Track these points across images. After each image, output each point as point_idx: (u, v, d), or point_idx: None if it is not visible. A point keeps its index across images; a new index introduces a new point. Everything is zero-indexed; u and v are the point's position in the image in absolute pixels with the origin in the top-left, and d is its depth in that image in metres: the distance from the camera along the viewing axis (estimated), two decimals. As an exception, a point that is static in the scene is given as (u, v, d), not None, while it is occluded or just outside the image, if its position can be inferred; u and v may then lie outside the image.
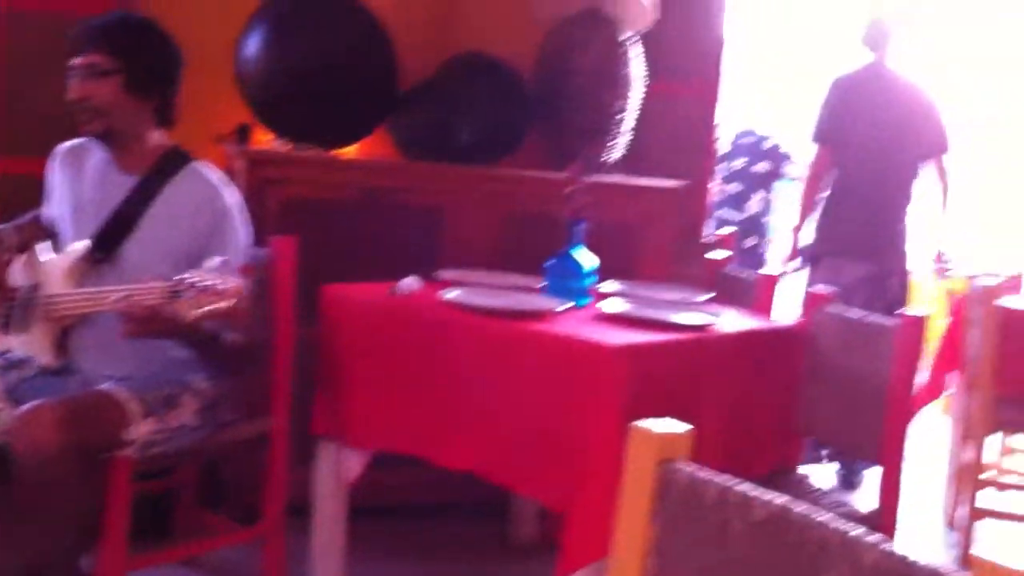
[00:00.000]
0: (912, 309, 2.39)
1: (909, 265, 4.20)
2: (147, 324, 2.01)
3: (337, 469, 2.52)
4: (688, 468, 1.12)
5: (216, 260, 2.07)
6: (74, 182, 2.37)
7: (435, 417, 2.31)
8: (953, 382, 4.07)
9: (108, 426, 2.10)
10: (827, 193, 4.19)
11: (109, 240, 2.26)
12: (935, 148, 4.13)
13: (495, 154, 3.25)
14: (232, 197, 2.33)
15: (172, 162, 2.32)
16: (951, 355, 3.96)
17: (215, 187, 2.31)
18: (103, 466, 2.11)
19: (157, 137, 2.34)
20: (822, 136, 4.17)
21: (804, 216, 4.22)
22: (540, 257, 2.59)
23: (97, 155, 2.36)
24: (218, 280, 1.98)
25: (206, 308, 1.96)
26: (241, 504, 2.70)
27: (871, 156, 4.10)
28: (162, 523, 2.66)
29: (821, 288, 2.71)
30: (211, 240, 2.26)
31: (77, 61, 2.24)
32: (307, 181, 2.99)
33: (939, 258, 4.36)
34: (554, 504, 2.13)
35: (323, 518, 2.57)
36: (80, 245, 2.25)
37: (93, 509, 2.09)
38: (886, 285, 4.11)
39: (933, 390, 4.01)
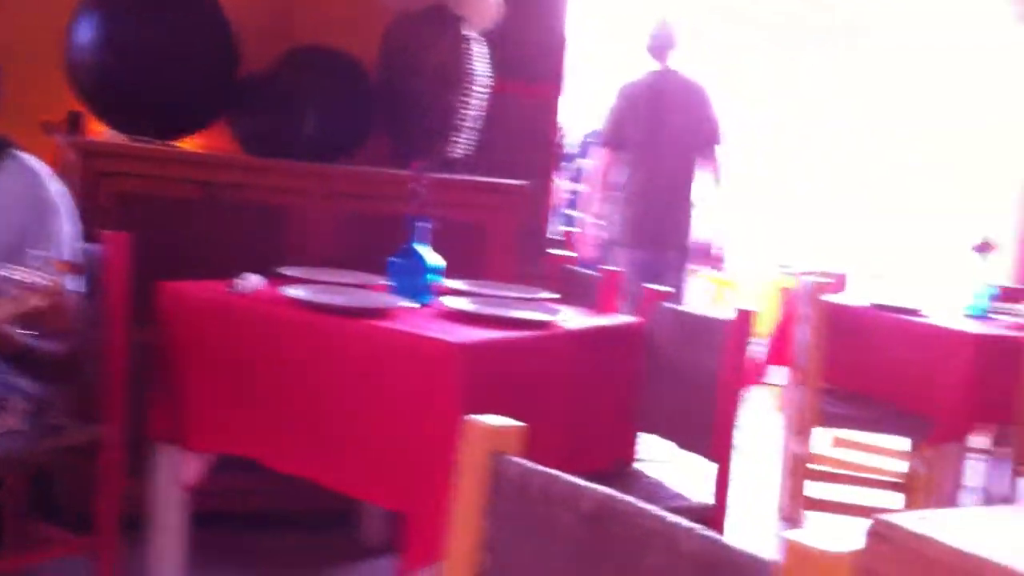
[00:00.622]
0: (742, 304, 2.48)
1: (688, 256, 4.72)
2: None
3: (175, 474, 2.44)
4: (519, 461, 1.14)
5: (36, 254, 1.98)
6: None
7: (275, 419, 2.27)
8: (783, 376, 4.25)
9: None
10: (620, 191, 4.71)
11: None
12: (709, 141, 4.61)
13: (338, 150, 3.22)
14: (57, 189, 2.24)
15: None
16: (782, 350, 4.12)
17: (38, 178, 2.22)
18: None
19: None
20: (606, 140, 4.74)
21: (593, 212, 4.78)
22: (385, 256, 2.57)
23: None
24: (33, 276, 1.89)
25: (17, 308, 1.87)
26: (75, 514, 2.59)
27: (650, 155, 4.61)
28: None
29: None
30: (32, 234, 2.16)
31: None
32: (142, 175, 2.89)
33: (710, 250, 4.81)
34: (393, 505, 2.12)
35: (161, 526, 2.49)
36: None
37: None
38: (662, 274, 4.50)
39: (752, 377, 4.19)
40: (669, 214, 4.67)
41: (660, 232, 4.66)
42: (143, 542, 2.49)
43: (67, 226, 2.24)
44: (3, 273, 1.87)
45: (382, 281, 2.59)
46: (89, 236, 2.36)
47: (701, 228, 4.77)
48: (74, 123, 3.03)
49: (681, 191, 4.67)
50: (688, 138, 4.64)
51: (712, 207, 4.75)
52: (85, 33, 2.89)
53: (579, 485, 1.07)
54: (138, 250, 2.38)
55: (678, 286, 4.63)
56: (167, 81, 2.92)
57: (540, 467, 1.11)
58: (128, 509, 2.42)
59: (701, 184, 4.72)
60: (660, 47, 4.72)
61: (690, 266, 4.80)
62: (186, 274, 2.49)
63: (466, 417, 1.18)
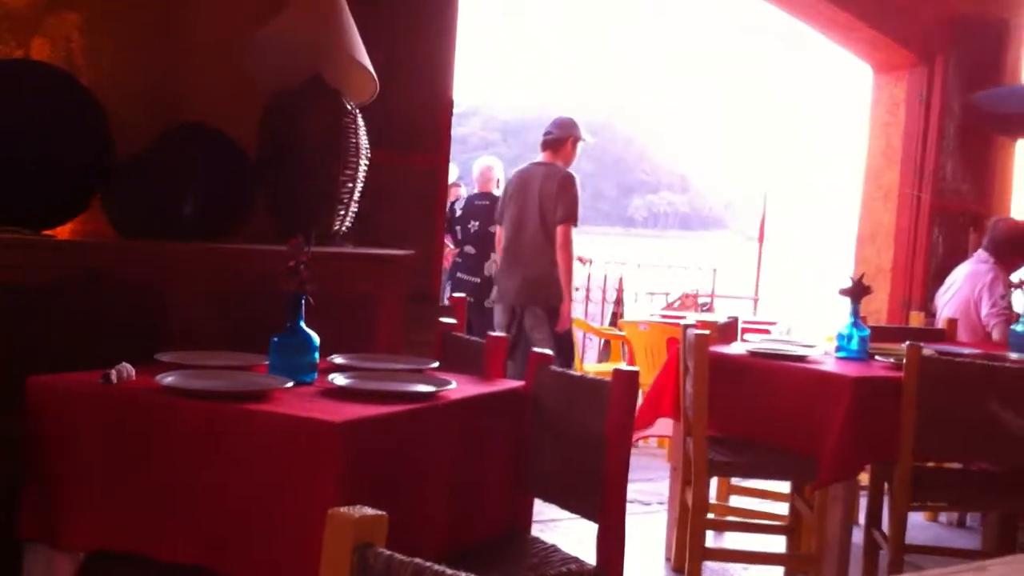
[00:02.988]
0: (622, 365, 2.52)
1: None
2: None
3: (49, 574, 2.37)
4: (384, 553, 1.14)
5: None
6: None
7: (155, 509, 2.22)
8: (667, 426, 4.33)
9: None
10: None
11: None
12: (561, 219, 5.52)
13: (219, 229, 3.19)
14: None
15: None
16: (663, 399, 4.20)
17: None
18: None
19: None
20: (496, 217, 5.90)
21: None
22: (268, 334, 2.55)
23: None
24: None
25: None
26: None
27: (519, 228, 5.64)
28: None
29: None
30: None
31: None
32: (13, 264, 2.82)
33: (560, 311, 5.56)
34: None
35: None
36: None
37: None
38: (522, 327, 5.57)
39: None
40: (532, 277, 5.63)
41: (521, 293, 5.66)
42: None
43: None
44: None
45: (264, 361, 2.57)
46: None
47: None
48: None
49: (541, 258, 5.61)
50: (550, 214, 5.57)
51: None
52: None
53: (446, 572, 1.08)
54: (7, 341, 2.32)
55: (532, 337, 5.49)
56: (36, 169, 2.86)
57: (406, 558, 1.11)
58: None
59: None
60: (550, 143, 5.72)
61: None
62: (61, 364, 2.43)
63: (330, 510, 1.18)
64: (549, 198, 5.52)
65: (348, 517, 1.16)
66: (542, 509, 2.74)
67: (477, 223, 6.41)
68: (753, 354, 3.82)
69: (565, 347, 5.61)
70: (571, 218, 5.50)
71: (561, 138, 5.66)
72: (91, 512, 2.30)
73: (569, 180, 5.55)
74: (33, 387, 2.36)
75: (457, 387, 2.52)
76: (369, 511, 1.17)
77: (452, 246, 6.39)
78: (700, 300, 6.99)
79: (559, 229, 5.49)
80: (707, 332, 3.66)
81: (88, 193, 3.05)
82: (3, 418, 2.34)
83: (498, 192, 6.40)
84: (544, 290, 5.52)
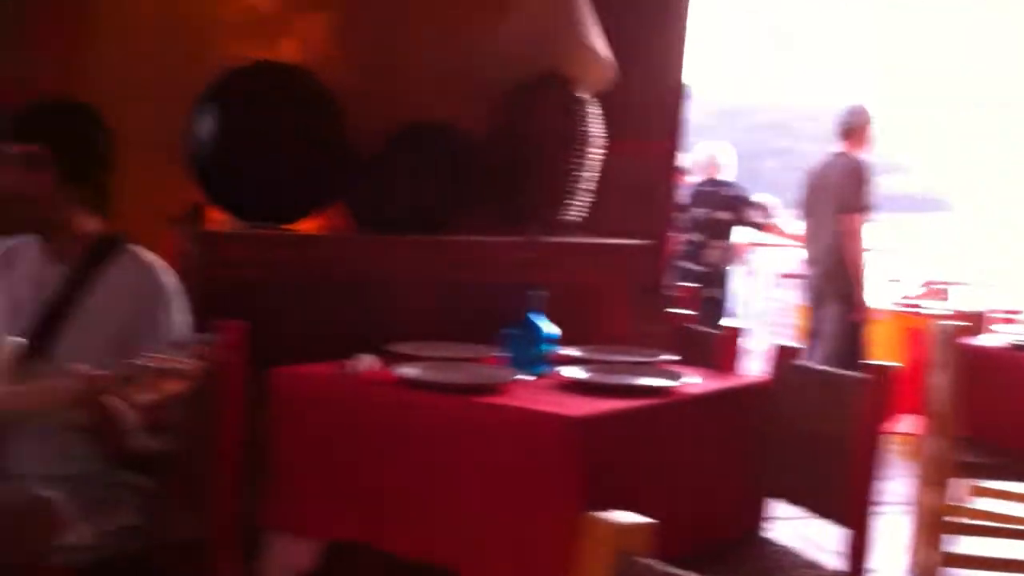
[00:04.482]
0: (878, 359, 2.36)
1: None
2: (91, 416, 1.94)
3: (285, 561, 2.41)
4: (649, 563, 1.07)
5: (167, 341, 2.00)
6: (7, 282, 2.28)
7: (388, 502, 2.23)
8: (915, 425, 4.06)
9: (39, 533, 2.01)
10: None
11: (43, 334, 2.17)
12: (849, 208, 5.34)
13: (449, 221, 3.21)
14: (169, 281, 2.26)
15: (105, 248, 2.24)
16: (905, 394, 3.93)
17: (150, 271, 2.24)
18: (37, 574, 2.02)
19: (89, 224, 2.25)
20: (797, 208, 5.77)
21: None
22: (495, 325, 2.53)
23: (30, 250, 2.28)
24: (171, 361, 1.91)
25: (157, 395, 1.89)
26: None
27: (817, 219, 5.52)
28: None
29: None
30: (145, 326, 2.18)
31: (3, 150, 2.17)
32: (256, 260, 2.91)
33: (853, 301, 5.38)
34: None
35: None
36: (12, 341, 2.17)
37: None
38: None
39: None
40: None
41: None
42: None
43: (178, 317, 2.25)
44: (139, 362, 1.90)
45: (495, 353, 2.55)
46: (204, 325, 2.36)
47: None
48: (196, 214, 3.08)
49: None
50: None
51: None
52: (203, 126, 2.95)
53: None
54: (253, 336, 2.38)
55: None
56: (281, 168, 2.95)
57: (672, 569, 1.04)
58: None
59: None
60: (850, 129, 5.50)
61: None
62: (300, 358, 2.48)
63: (588, 514, 1.11)
64: (841, 187, 5.37)
65: (610, 524, 1.09)
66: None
67: (704, 210, 6.24)
68: (1017, 347, 3.52)
69: (858, 339, 5.46)
70: (859, 207, 5.32)
71: (856, 126, 5.53)
72: (327, 501, 2.33)
73: (859, 169, 5.40)
74: (276, 377, 2.42)
75: (695, 381, 2.42)
76: (632, 517, 1.09)
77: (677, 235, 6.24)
78: (941, 287, 6.56)
79: (846, 218, 5.33)
80: (961, 324, 3.41)
81: (328, 191, 3.12)
82: (250, 413, 2.40)
83: (723, 178, 6.26)
84: (836, 281, 5.39)
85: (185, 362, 1.93)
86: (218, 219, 3.12)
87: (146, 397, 1.90)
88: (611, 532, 1.09)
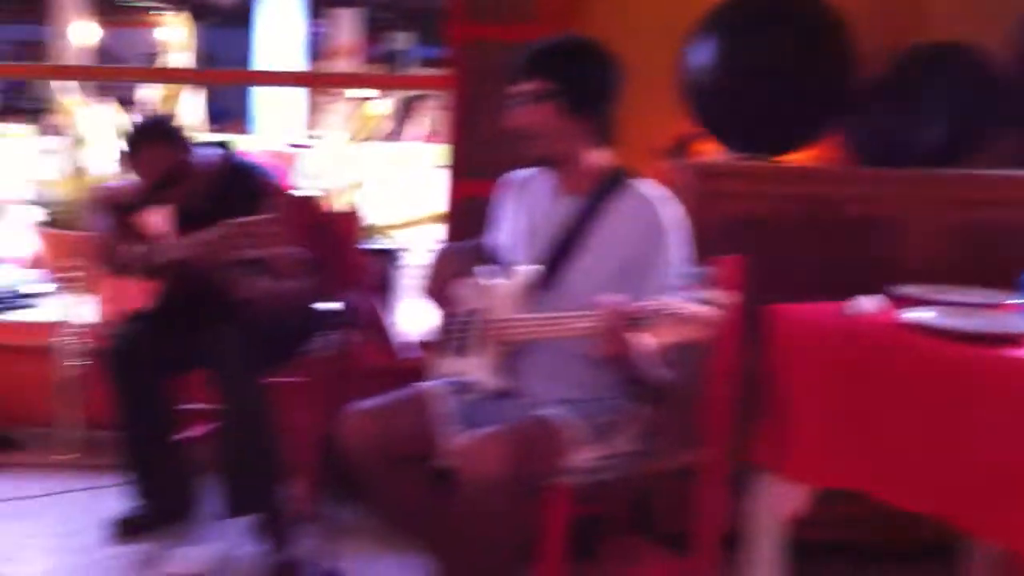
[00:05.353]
0: None
1: None
2: (615, 349, 2.01)
3: (775, 504, 2.37)
4: None
5: (680, 285, 2.04)
6: (519, 209, 2.41)
7: (890, 451, 2.10)
8: None
9: (551, 455, 2.12)
10: None
11: (552, 264, 2.27)
12: None
13: (963, 155, 2.93)
14: (673, 215, 2.26)
15: (612, 182, 2.29)
16: None
17: (654, 206, 2.25)
18: (544, 493, 2.13)
19: (597, 157, 2.30)
20: None
21: None
22: (1014, 269, 2.28)
23: (542, 181, 2.38)
24: (685, 307, 1.94)
25: (676, 336, 1.92)
26: (673, 534, 2.61)
27: None
28: (589, 546, 2.64)
29: None
30: (648, 259, 2.20)
31: (515, 88, 2.27)
32: (751, 193, 2.84)
33: None
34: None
35: (758, 555, 2.42)
36: (526, 269, 2.29)
37: (530, 534, 2.12)
38: None
39: None
40: None
41: None
42: (739, 564, 2.45)
43: (681, 251, 2.25)
44: (652, 307, 1.95)
45: (1015, 300, 2.29)
46: (701, 259, 2.35)
47: None
48: (681, 147, 3.09)
49: None
50: None
51: None
52: (701, 55, 2.92)
53: None
54: (749, 271, 2.34)
55: None
56: (783, 96, 2.85)
57: None
58: (726, 530, 2.39)
59: None
60: None
61: None
62: (797, 295, 2.39)
63: None
64: None
65: None
66: None
67: None
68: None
69: None
70: None
71: None
72: (823, 447, 2.24)
73: None
74: (774, 316, 2.35)
75: None
76: None
77: None
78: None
79: None
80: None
81: (827, 121, 2.97)
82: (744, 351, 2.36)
83: None
84: None
85: (706, 310, 1.95)
86: (704, 151, 3.10)
87: (666, 338, 1.94)
88: None
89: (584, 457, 2.16)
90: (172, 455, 2.95)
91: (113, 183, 3.25)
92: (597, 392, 2.24)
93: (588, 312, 2.04)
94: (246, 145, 6.25)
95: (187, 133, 2.92)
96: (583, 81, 2.25)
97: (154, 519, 2.93)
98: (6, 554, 2.78)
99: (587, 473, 2.17)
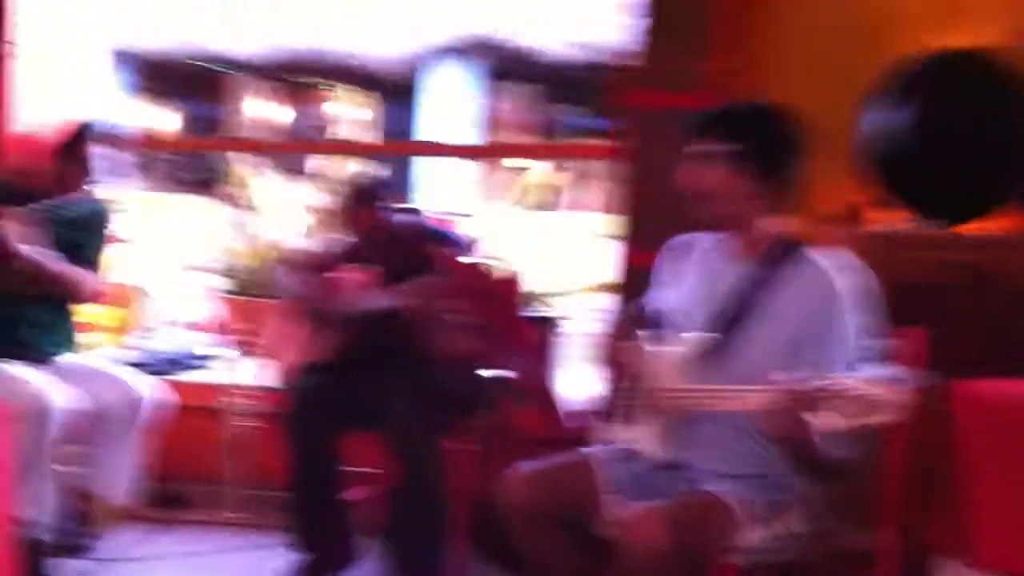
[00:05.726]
0: None
1: None
2: (790, 429, 1.92)
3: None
4: None
5: (869, 368, 1.93)
6: (682, 273, 2.35)
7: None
8: None
9: (718, 532, 2.04)
10: None
11: (723, 333, 2.19)
12: None
13: None
14: (852, 284, 2.14)
15: (783, 250, 2.20)
16: None
17: (829, 275, 2.13)
18: (710, 572, 2.05)
19: (769, 223, 2.23)
20: None
21: None
22: None
23: (706, 245, 2.32)
24: (872, 389, 1.83)
25: (855, 420, 1.83)
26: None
27: None
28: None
29: None
30: (824, 333, 2.09)
31: (687, 148, 2.22)
32: (926, 262, 2.73)
33: None
34: None
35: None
36: (694, 337, 2.23)
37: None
38: None
39: None
40: None
41: None
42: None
43: (858, 324, 2.13)
44: (832, 386, 1.86)
45: None
46: (881, 330, 2.24)
47: None
48: (853, 215, 2.99)
49: None
50: None
51: None
52: (887, 116, 2.81)
53: None
54: (930, 343, 2.23)
55: None
56: (982, 161, 2.72)
57: None
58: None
59: None
60: None
61: None
62: (983, 370, 2.27)
63: None
64: None
65: None
66: None
67: None
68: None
69: None
70: None
71: None
72: (1015, 531, 2.10)
73: None
74: (958, 391, 2.23)
75: None
76: None
77: None
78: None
79: None
80: None
81: (1012, 187, 2.83)
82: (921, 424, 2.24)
83: None
84: None
85: (895, 392, 1.84)
86: (875, 219, 2.99)
87: (851, 421, 1.84)
88: None
89: (753, 537, 2.06)
90: (339, 514, 2.99)
91: (302, 246, 3.39)
92: (767, 469, 2.14)
93: (762, 387, 1.95)
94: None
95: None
96: (762, 143, 2.18)
97: (317, 577, 2.96)
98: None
99: (756, 553, 2.07)
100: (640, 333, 2.34)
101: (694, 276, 2.32)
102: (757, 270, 2.20)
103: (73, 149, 3.14)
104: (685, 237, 2.39)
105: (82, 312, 3.95)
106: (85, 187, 3.17)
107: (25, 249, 3.01)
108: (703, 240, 2.34)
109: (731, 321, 2.19)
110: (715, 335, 2.19)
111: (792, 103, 2.37)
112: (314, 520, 2.96)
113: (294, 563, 2.97)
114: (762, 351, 2.12)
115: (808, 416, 1.88)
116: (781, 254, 2.19)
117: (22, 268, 3.04)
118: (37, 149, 3.19)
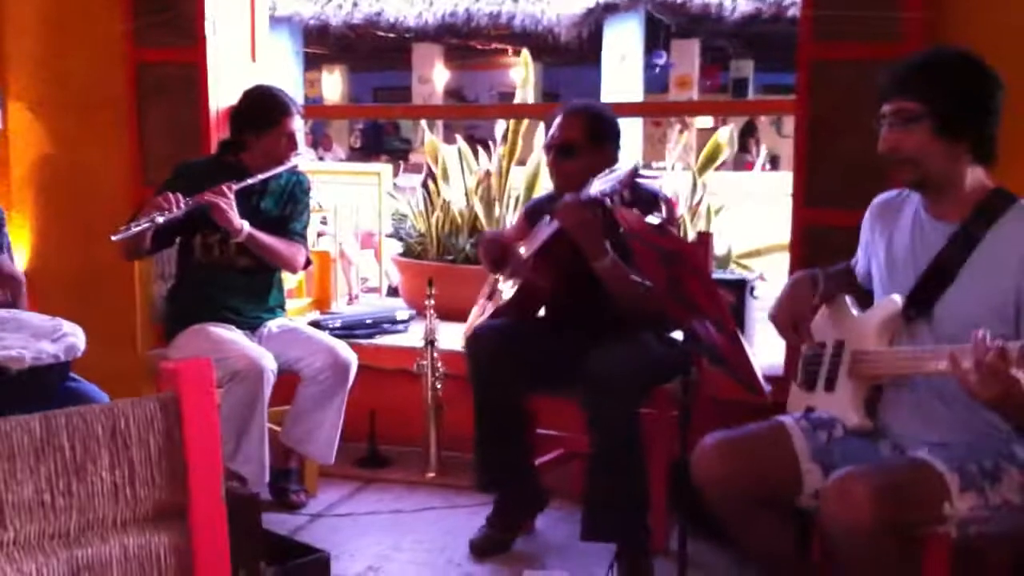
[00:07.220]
0: None
1: None
2: (996, 392, 1.81)
3: None
4: None
5: None
6: (887, 235, 2.27)
7: None
8: None
9: (926, 501, 1.94)
10: None
11: (924, 295, 2.11)
12: None
13: None
14: None
15: (994, 205, 2.09)
16: None
17: None
18: (919, 543, 1.97)
19: (976, 178, 2.12)
20: None
21: None
22: None
23: (912, 205, 2.23)
24: None
25: None
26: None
27: None
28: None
29: None
30: None
31: (884, 109, 2.13)
32: None
33: None
34: None
35: None
36: (893, 300, 2.15)
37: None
38: None
39: None
40: None
41: None
42: None
43: None
44: None
45: None
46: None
47: None
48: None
49: None
50: None
51: None
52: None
53: None
54: None
55: None
56: None
57: None
58: None
59: None
60: None
61: None
62: None
63: None
64: None
65: None
66: None
67: None
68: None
69: None
70: None
71: None
72: None
73: None
74: None
75: None
76: None
77: None
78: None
79: None
80: None
81: None
82: None
83: None
84: None
85: None
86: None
87: None
88: None
89: (961, 507, 1.95)
90: (528, 474, 3.05)
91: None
92: (974, 436, 2.05)
93: (966, 347, 1.85)
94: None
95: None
96: (959, 98, 2.07)
97: (506, 540, 3.03)
98: (375, 563, 2.96)
99: (965, 524, 1.96)
100: (838, 295, 2.29)
101: (897, 236, 2.24)
102: (962, 229, 2.10)
103: (272, 122, 3.27)
104: (891, 194, 2.31)
105: (289, 279, 4.16)
106: (290, 160, 3.30)
107: (245, 224, 3.18)
108: (906, 198, 2.26)
109: (934, 282, 2.10)
110: (917, 297, 2.11)
111: (995, 48, 2.25)
112: (503, 482, 3.03)
113: (485, 527, 3.04)
114: (968, 312, 2.03)
115: (1016, 378, 1.79)
116: (988, 211, 2.09)
117: (243, 241, 3.21)
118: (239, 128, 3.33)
